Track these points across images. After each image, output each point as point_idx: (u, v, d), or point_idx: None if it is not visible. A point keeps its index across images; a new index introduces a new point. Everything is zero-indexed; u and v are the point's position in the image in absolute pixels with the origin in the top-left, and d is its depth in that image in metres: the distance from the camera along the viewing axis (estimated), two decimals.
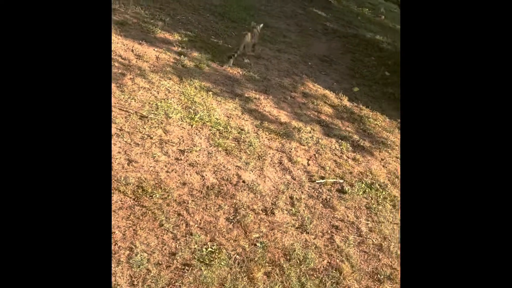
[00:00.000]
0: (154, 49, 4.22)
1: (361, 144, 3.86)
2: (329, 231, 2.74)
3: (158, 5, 5.48)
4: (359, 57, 6.25)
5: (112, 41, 4.04)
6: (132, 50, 4.04)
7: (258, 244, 2.43)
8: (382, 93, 5.13)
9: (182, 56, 4.27)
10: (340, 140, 3.79)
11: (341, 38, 7.07)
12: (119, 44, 4.05)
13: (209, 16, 5.82)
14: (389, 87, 5.39)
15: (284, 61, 5.17)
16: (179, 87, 3.66)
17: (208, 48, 4.71)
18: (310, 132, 3.75)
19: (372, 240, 2.79)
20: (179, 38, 4.71)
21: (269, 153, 3.26)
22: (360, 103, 4.68)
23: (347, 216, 2.92)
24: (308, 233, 2.66)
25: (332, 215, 2.88)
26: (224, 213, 2.54)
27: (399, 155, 3.89)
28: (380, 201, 3.18)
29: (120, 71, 3.61)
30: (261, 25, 5.46)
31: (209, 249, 2.28)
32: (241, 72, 4.41)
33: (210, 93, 3.75)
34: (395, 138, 4.21)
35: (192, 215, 2.44)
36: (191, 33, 4.95)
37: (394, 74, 5.99)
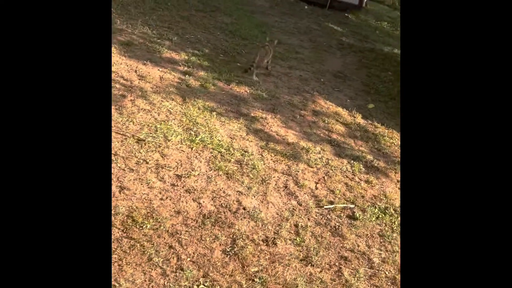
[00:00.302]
0: (158, 69, 4.12)
1: (375, 164, 3.62)
2: (337, 263, 2.51)
3: (167, 24, 5.43)
4: (375, 72, 6.02)
5: (115, 62, 3.96)
6: (136, 71, 3.95)
7: (257, 280, 2.22)
8: (399, 109, 4.88)
9: (187, 75, 4.15)
10: (352, 161, 3.56)
11: (357, 53, 6.87)
12: (122, 65, 3.97)
13: (219, 34, 5.73)
14: None
15: (295, 78, 5.00)
16: (182, 108, 3.52)
17: (216, 66, 4.59)
18: (319, 153, 3.54)
19: (385, 273, 2.54)
20: (186, 57, 4.61)
21: (274, 177, 3.06)
22: (375, 120, 4.44)
23: (358, 246, 2.68)
24: (313, 265, 2.43)
25: (341, 245, 2.65)
26: (220, 244, 2.35)
27: None
28: (395, 227, 2.93)
29: (120, 92, 3.51)
30: (276, 41, 5.40)
31: (201, 286, 2.08)
32: (248, 91, 4.26)
33: (214, 113, 3.60)
34: None
35: (184, 247, 2.26)
36: (198, 52, 4.85)
37: None
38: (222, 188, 2.78)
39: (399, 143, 4.14)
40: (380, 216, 3.00)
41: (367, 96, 5.08)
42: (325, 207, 2.93)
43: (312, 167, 3.32)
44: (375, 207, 3.07)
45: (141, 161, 2.79)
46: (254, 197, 2.80)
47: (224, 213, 2.58)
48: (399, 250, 2.74)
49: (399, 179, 3.52)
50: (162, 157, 2.87)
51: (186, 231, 2.36)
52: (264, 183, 2.95)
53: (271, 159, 3.24)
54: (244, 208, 2.66)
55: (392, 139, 4.15)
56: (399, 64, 7.03)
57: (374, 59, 6.72)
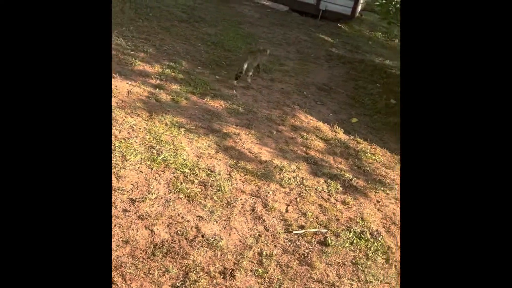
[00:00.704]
0: (127, 83, 3.93)
1: (354, 183, 3.41)
2: None
3: (145, 35, 5.26)
4: (363, 84, 5.84)
5: None
6: None
7: None
8: (384, 124, 4.69)
9: (158, 89, 3.96)
10: (329, 180, 3.35)
11: (345, 64, 6.70)
12: None
13: (200, 45, 5.56)
14: (393, 116, 4.94)
15: (277, 91, 4.81)
16: (147, 124, 3.32)
17: (191, 79, 4.40)
18: (294, 172, 3.34)
19: None
20: (160, 69, 4.42)
21: (241, 199, 2.85)
22: (358, 135, 4.24)
23: (327, 276, 2.46)
24: None
25: (308, 275, 2.43)
26: (170, 278, 2.13)
27: (398, 196, 3.42)
28: (371, 254, 2.71)
29: None
30: (268, 51, 5.25)
31: None
32: (223, 105, 4.07)
33: (182, 129, 3.40)
34: (395, 175, 3.74)
35: (128, 282, 2.04)
36: (174, 64, 4.66)
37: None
38: (181, 213, 2.57)
39: (382, 159, 3.94)
40: (355, 241, 2.78)
41: (352, 109, 4.89)
42: (294, 232, 2.71)
43: (284, 188, 3.11)
44: (350, 231, 2.85)
45: None
46: (216, 222, 2.59)
47: (179, 241, 2.36)
48: (373, 280, 2.52)
49: (378, 199, 3.31)
50: (116, 179, 2.66)
51: (133, 263, 2.14)
52: (229, 207, 2.74)
53: (240, 179, 3.04)
54: (202, 236, 2.45)
55: (374, 156, 3.95)
56: (389, 75, 6.86)
57: (362, 70, 6.54)
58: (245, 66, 4.62)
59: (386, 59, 8.07)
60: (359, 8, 10.88)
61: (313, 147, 3.79)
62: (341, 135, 4.19)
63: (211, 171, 3.01)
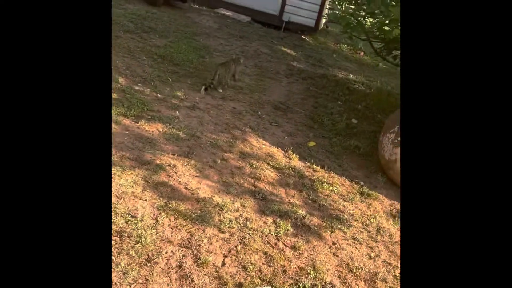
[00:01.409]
0: None
1: (307, 222, 2.98)
2: None
3: None
4: (323, 102, 5.47)
5: None
6: None
7: None
8: (344, 147, 4.30)
9: None
10: (278, 219, 2.90)
11: (306, 79, 6.33)
12: None
13: (144, 59, 5.04)
14: (354, 138, 4.57)
15: (227, 111, 4.35)
16: None
17: (126, 99, 3.87)
18: (237, 211, 2.87)
19: None
20: None
21: (166, 252, 2.34)
22: (314, 162, 3.82)
23: None
24: None
25: None
26: None
27: (357, 235, 3.00)
28: None
29: None
30: (242, 59, 5.38)
31: None
32: (161, 129, 3.56)
33: None
34: (354, 208, 3.33)
35: None
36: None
37: (364, 121, 5.20)
38: None
39: (340, 190, 3.53)
40: None
41: (310, 131, 4.48)
42: None
43: (223, 233, 2.63)
44: (299, 286, 2.40)
45: None
46: (130, 287, 2.07)
47: None
48: None
49: (334, 240, 2.88)
50: None
51: None
52: (150, 263, 2.23)
53: (169, 225, 2.53)
54: None
55: (331, 186, 3.54)
56: (352, 91, 6.54)
57: (323, 86, 6.19)
58: (216, 77, 4.68)
59: (350, 73, 7.79)
60: (324, 20, 10.63)
61: (263, 178, 3.34)
62: (296, 162, 3.76)
63: (132, 216, 2.49)
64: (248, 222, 2.78)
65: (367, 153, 4.31)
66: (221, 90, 4.80)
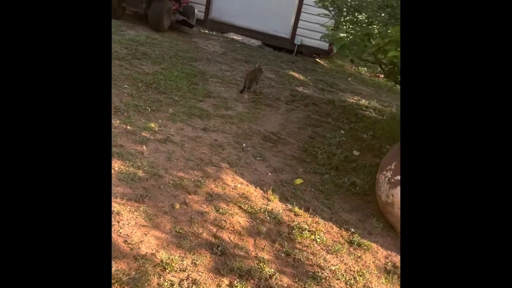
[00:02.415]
0: None
1: (273, 284, 2.45)
2: None
3: None
4: (322, 131, 4.96)
5: None
6: None
7: None
8: (337, 185, 3.76)
9: None
10: (237, 281, 2.40)
11: (309, 106, 5.85)
12: None
13: (126, 87, 4.71)
14: (352, 174, 4.03)
15: (206, 144, 3.92)
16: None
17: None
18: (185, 270, 2.39)
19: None
20: None
21: None
22: (298, 204, 3.31)
23: None
24: None
25: None
26: None
27: None
28: None
29: None
30: (263, 68, 6.34)
31: None
32: (118, 167, 3.15)
33: None
34: (339, 263, 2.79)
35: None
36: None
37: (368, 153, 4.65)
38: None
39: (324, 239, 2.99)
40: None
41: (300, 166, 3.98)
42: None
43: None
44: None
45: None
46: None
47: None
48: None
49: None
50: None
51: None
52: None
53: None
54: None
55: (314, 234, 3.01)
56: (360, 118, 6.00)
57: (327, 113, 5.69)
58: (247, 83, 5.74)
59: (363, 98, 7.26)
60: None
61: (229, 226, 2.86)
62: (275, 204, 3.27)
63: None
64: (194, 287, 2.29)
65: (365, 192, 3.76)
66: (246, 96, 5.60)
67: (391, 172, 3.28)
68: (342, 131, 5.13)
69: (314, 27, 9.46)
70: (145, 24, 7.95)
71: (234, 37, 9.40)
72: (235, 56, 7.76)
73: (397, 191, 3.18)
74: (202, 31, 9.40)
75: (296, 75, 7.71)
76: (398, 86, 4.64)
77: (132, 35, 6.97)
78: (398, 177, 3.20)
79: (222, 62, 7.03)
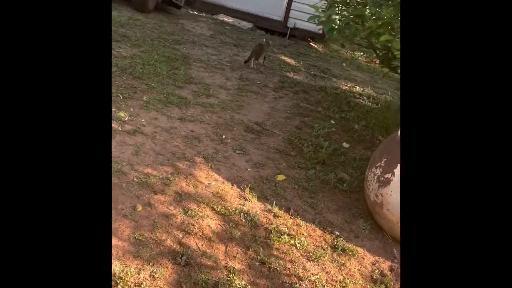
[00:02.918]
0: None
1: None
2: None
3: None
4: (311, 121, 4.64)
5: None
6: None
7: None
8: (324, 182, 3.46)
9: None
10: None
11: (298, 93, 5.51)
12: None
13: None
14: (340, 168, 3.73)
15: (181, 136, 3.59)
16: None
17: None
18: (140, 285, 2.09)
19: None
20: None
21: None
22: (278, 203, 3.01)
23: None
24: None
25: None
26: None
27: None
28: None
29: None
30: (271, 42, 6.80)
31: None
32: None
33: None
34: (320, 271, 2.50)
35: None
36: None
37: (359, 145, 4.34)
38: None
39: (305, 243, 2.70)
40: None
41: (283, 160, 3.67)
42: None
43: None
44: None
45: None
46: None
47: None
48: None
49: None
50: None
51: None
52: None
53: None
54: None
55: (294, 238, 2.71)
56: (352, 107, 5.66)
57: (317, 101, 5.35)
58: (253, 54, 6.06)
59: (357, 85, 6.93)
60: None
61: (197, 231, 2.55)
62: (252, 203, 2.96)
63: None
64: None
65: (353, 189, 3.46)
66: (252, 65, 6.04)
67: (380, 169, 2.97)
68: (332, 121, 4.80)
69: (308, 10, 9.00)
70: (129, 4, 7.53)
71: (224, 19, 8.98)
72: (223, 39, 7.36)
73: (387, 190, 2.88)
74: (191, 12, 8.97)
75: (288, 60, 7.34)
76: (394, 73, 4.30)
77: (113, 16, 6.56)
78: (388, 175, 2.89)
79: (209, 46, 6.65)
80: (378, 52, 4.31)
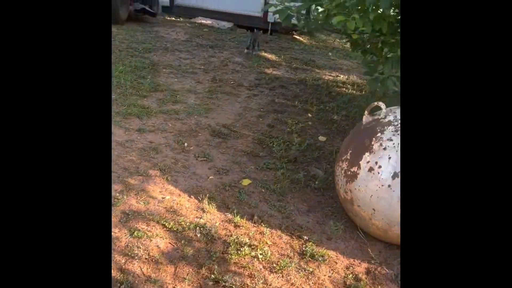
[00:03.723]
0: None
1: None
2: None
3: None
4: (286, 117, 4.38)
5: None
6: None
7: None
8: (294, 181, 3.20)
9: None
10: None
11: (275, 89, 5.25)
12: None
13: None
14: (315, 165, 3.46)
15: (137, 148, 3.36)
16: None
17: None
18: None
19: None
20: None
21: None
22: (241, 211, 2.76)
23: None
24: None
25: None
26: None
27: None
28: None
29: None
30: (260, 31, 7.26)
31: None
32: None
33: None
34: (284, 283, 2.24)
35: None
36: None
37: (337, 138, 4.07)
38: None
39: (269, 253, 2.44)
40: None
41: (251, 163, 3.41)
42: None
43: None
44: None
45: None
46: None
47: None
48: None
49: None
50: None
51: None
52: None
53: None
54: None
55: (256, 249, 2.45)
56: (334, 97, 5.38)
57: (296, 95, 5.09)
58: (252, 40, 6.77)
59: (342, 73, 6.64)
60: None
61: (143, 254, 2.31)
62: (211, 215, 2.71)
63: None
64: None
65: (327, 186, 3.19)
66: (254, 53, 6.77)
67: (347, 162, 2.69)
68: (309, 114, 4.53)
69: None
70: None
71: (202, 21, 8.76)
72: (199, 42, 7.14)
73: (355, 185, 2.60)
74: (168, 18, 8.77)
75: (269, 55, 7.08)
76: (365, 56, 4.01)
77: None
78: (355, 169, 2.61)
79: (183, 50, 6.42)
80: (347, 36, 4.03)
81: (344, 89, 5.70)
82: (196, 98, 4.57)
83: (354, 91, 5.63)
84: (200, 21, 8.73)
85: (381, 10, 2.69)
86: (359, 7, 2.81)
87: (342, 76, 6.44)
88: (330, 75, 6.45)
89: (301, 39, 9.27)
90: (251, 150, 3.58)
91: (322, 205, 2.99)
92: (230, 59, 6.42)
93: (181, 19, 8.84)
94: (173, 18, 8.82)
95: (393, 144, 2.48)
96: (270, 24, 8.82)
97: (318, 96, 5.13)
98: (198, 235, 2.52)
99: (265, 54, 7.10)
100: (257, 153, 3.56)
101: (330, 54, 8.35)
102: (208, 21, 8.75)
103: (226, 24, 8.79)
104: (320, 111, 4.66)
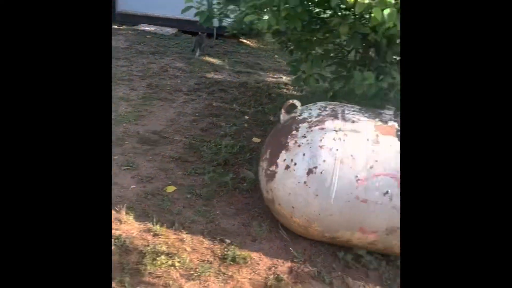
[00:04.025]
0: None
1: None
2: None
3: None
4: (221, 120, 4.31)
5: None
6: None
7: None
8: (222, 184, 3.13)
9: None
10: None
11: (214, 93, 5.18)
12: None
13: None
14: (246, 166, 3.40)
15: None
16: None
17: None
18: None
19: None
20: None
21: None
22: (161, 219, 2.65)
23: None
24: None
25: None
26: None
27: None
28: None
29: None
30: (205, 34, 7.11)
31: None
32: None
33: None
34: None
35: None
36: None
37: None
38: None
39: (187, 260, 2.35)
40: None
41: (179, 169, 3.31)
42: None
43: None
44: None
45: None
46: None
47: None
48: None
49: None
50: None
51: None
52: None
53: None
54: None
55: (174, 257, 2.36)
56: (273, 99, 5.37)
57: (234, 99, 5.03)
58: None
59: (286, 75, 6.65)
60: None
61: None
62: (128, 226, 2.59)
63: None
64: None
65: (256, 188, 3.14)
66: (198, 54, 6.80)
67: (266, 162, 2.65)
68: (246, 117, 4.48)
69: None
70: None
71: (146, 28, 8.58)
72: (140, 48, 6.98)
73: (274, 184, 2.55)
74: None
75: (213, 60, 7.00)
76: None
77: None
78: (273, 168, 2.57)
79: (120, 58, 6.25)
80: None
81: (285, 90, 5.70)
82: (127, 105, 4.43)
83: (295, 92, 5.64)
84: (143, 28, 8.56)
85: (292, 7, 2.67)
86: (272, 6, 2.79)
87: (284, 77, 6.45)
88: (273, 77, 6.45)
89: (248, 42, 9.26)
90: (179, 156, 3.49)
91: (250, 207, 2.94)
92: (171, 64, 6.30)
93: (123, 26, 8.63)
94: (116, 27, 8.60)
95: (307, 140, 2.45)
96: (215, 29, 8.75)
97: (257, 98, 5.10)
98: (112, 247, 2.40)
99: (209, 59, 7.02)
100: (186, 158, 3.47)
101: (276, 56, 8.37)
102: (151, 28, 8.59)
103: (170, 30, 8.65)
104: (258, 113, 4.63)
